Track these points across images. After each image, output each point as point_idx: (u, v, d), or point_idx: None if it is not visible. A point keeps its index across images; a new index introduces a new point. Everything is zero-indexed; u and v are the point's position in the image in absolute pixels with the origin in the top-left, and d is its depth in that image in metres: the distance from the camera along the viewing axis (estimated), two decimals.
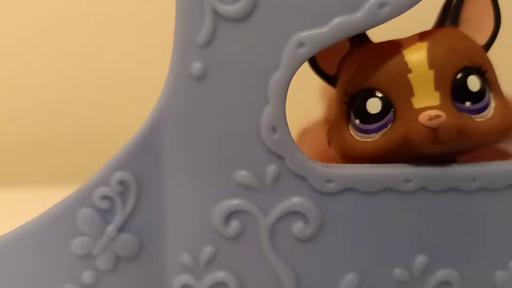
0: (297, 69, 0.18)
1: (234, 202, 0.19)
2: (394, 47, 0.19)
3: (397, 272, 0.19)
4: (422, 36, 0.19)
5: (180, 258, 0.19)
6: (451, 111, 0.18)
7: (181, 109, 0.19)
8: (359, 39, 0.20)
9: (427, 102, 0.18)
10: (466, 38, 0.20)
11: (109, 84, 0.47)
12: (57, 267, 0.19)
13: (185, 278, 0.19)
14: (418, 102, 0.18)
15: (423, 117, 0.17)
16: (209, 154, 0.19)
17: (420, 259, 0.19)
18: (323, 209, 0.19)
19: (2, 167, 0.46)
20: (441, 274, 0.19)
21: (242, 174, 0.19)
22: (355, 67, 0.20)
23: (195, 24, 0.18)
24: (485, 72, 0.19)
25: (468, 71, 0.19)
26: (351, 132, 0.19)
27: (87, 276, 0.19)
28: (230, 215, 0.19)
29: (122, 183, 0.19)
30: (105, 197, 0.19)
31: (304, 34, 0.18)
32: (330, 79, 0.21)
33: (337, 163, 0.19)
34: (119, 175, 0.19)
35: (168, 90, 0.19)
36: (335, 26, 0.18)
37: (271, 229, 0.19)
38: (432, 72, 0.18)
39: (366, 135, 0.19)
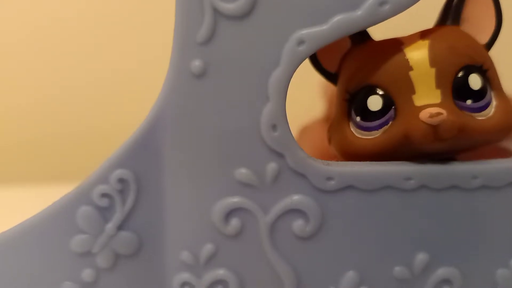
0: (297, 67, 0.18)
1: (234, 200, 0.19)
2: (396, 45, 0.19)
3: (398, 270, 0.19)
4: (423, 34, 0.19)
5: (180, 256, 0.19)
6: (452, 109, 0.18)
7: (181, 107, 0.19)
8: (360, 37, 0.20)
9: (428, 100, 0.18)
10: (468, 36, 0.20)
11: (109, 83, 0.47)
12: (56, 265, 0.19)
13: (185, 276, 0.19)
14: (419, 99, 0.18)
15: (424, 115, 0.17)
16: (209, 152, 0.19)
17: (421, 257, 0.19)
18: (323, 207, 0.19)
19: (2, 167, 0.46)
20: (441, 272, 0.19)
21: (242, 172, 0.19)
22: (356, 64, 0.20)
23: (195, 22, 0.18)
24: (486, 71, 0.19)
25: (469, 69, 0.19)
26: (351, 129, 0.19)
27: (86, 274, 0.19)
28: (230, 213, 0.19)
29: (121, 180, 0.19)
30: (104, 195, 0.19)
31: (304, 32, 0.18)
32: (331, 76, 0.21)
33: (337, 161, 0.19)
34: (118, 172, 0.19)
35: (168, 87, 0.19)
36: (335, 24, 0.18)
37: (271, 227, 0.19)
38: (433, 70, 0.18)
39: (366, 133, 0.19)
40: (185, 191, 0.19)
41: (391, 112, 0.19)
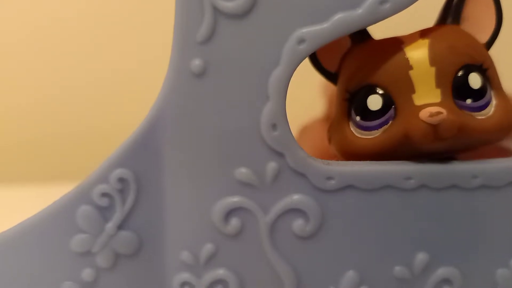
0: (298, 66, 0.18)
1: (234, 200, 0.19)
2: (396, 44, 0.19)
3: (398, 269, 0.19)
4: (423, 34, 0.19)
5: (180, 256, 0.19)
6: (452, 108, 0.18)
7: (181, 106, 0.19)
8: (360, 36, 0.20)
9: (428, 99, 0.18)
10: (468, 36, 0.20)
11: (109, 83, 0.47)
12: (56, 265, 0.19)
13: (185, 275, 0.19)
14: (419, 99, 0.18)
15: (424, 114, 0.17)
16: (209, 152, 0.19)
17: (421, 257, 0.19)
18: (324, 207, 0.19)
19: (2, 166, 0.46)
20: (441, 272, 0.19)
21: (242, 172, 0.18)
22: (356, 64, 0.20)
23: (195, 21, 0.18)
24: (486, 70, 0.19)
25: (469, 68, 0.19)
26: (351, 129, 0.19)
27: (86, 273, 0.19)
28: (230, 213, 0.19)
29: (121, 180, 0.19)
30: (104, 195, 0.19)
31: (305, 30, 0.18)
32: (331, 76, 0.21)
33: (337, 160, 0.19)
34: (118, 172, 0.19)
35: (168, 87, 0.19)
36: (335, 22, 0.18)
37: (271, 226, 0.19)
38: (433, 69, 0.18)
39: (366, 132, 0.19)
40: (185, 191, 0.19)
41: (391, 112, 0.19)
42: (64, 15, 0.47)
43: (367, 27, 0.18)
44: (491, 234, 0.19)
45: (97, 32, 0.47)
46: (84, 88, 0.48)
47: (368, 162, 0.19)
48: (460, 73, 0.19)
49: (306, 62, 0.18)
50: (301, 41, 0.18)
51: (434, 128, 0.17)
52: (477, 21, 0.20)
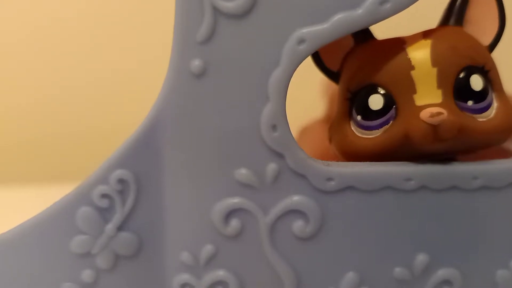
0: (298, 66, 0.18)
1: (234, 201, 0.19)
2: (398, 44, 0.19)
3: (398, 271, 0.19)
4: (425, 35, 0.19)
5: (180, 257, 0.19)
6: (453, 109, 0.18)
7: (181, 106, 0.18)
8: (363, 36, 0.20)
9: (429, 100, 0.18)
10: (470, 37, 0.20)
11: (109, 84, 0.47)
12: (56, 266, 0.19)
13: (185, 277, 0.19)
14: (420, 99, 0.18)
15: (424, 114, 0.17)
16: (209, 152, 0.19)
17: (421, 258, 0.19)
18: (324, 208, 0.18)
19: (2, 167, 0.46)
20: (442, 273, 0.19)
21: (242, 173, 0.18)
22: (358, 63, 0.20)
23: (194, 21, 0.18)
24: (488, 72, 0.19)
25: (471, 70, 0.19)
26: (352, 128, 0.19)
27: (86, 275, 0.19)
28: (230, 214, 0.19)
29: (121, 181, 0.19)
30: (104, 196, 0.19)
31: (305, 30, 0.18)
32: (333, 75, 0.21)
33: (337, 161, 0.19)
34: (118, 173, 0.19)
35: (168, 87, 0.18)
36: (336, 22, 0.18)
37: (271, 227, 0.19)
38: (435, 70, 0.18)
39: (367, 132, 0.19)
40: (185, 192, 0.19)
41: (392, 112, 0.19)
42: (64, 15, 0.47)
43: (367, 27, 0.18)
44: (491, 235, 0.19)
45: (97, 32, 0.47)
46: (84, 88, 0.48)
47: (368, 163, 0.19)
48: (461, 75, 0.19)
49: (306, 62, 0.18)
50: (301, 41, 0.18)
51: (435, 129, 0.17)
52: (480, 24, 0.20)
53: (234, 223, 0.19)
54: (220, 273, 0.19)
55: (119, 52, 0.47)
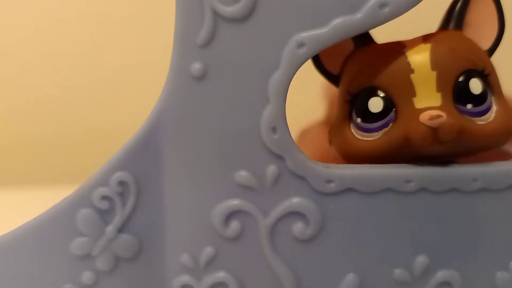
0: (297, 69, 0.18)
1: (234, 203, 0.19)
2: (398, 48, 0.19)
3: (398, 272, 0.19)
4: (425, 38, 0.19)
5: (180, 259, 0.19)
6: (452, 112, 0.18)
7: (181, 109, 0.19)
8: (363, 39, 0.20)
9: (429, 103, 0.18)
10: (469, 41, 0.20)
11: (109, 84, 0.47)
12: (56, 268, 0.19)
13: (185, 278, 0.19)
14: (419, 102, 0.18)
15: (424, 117, 0.17)
16: (209, 155, 0.19)
17: (421, 260, 0.19)
18: (323, 210, 0.19)
19: (2, 167, 0.46)
20: (441, 274, 0.19)
21: (242, 175, 0.19)
22: (359, 66, 0.20)
23: (195, 24, 0.18)
24: (487, 76, 0.19)
25: (470, 73, 0.19)
26: (352, 131, 0.19)
27: (86, 276, 0.19)
28: (230, 216, 0.19)
29: (121, 183, 0.19)
30: (104, 198, 0.19)
31: (304, 34, 0.18)
32: (333, 78, 0.21)
33: (337, 163, 0.19)
34: (118, 175, 0.19)
35: (168, 90, 0.19)
36: (335, 26, 0.18)
37: (271, 229, 0.19)
38: (434, 73, 0.18)
39: (367, 134, 0.19)
40: (185, 194, 0.19)
41: (392, 114, 0.19)
42: (64, 15, 0.47)
43: (366, 31, 0.18)
44: (491, 237, 0.19)
45: (97, 33, 0.47)
46: (84, 88, 0.48)
47: (368, 165, 0.19)
48: (461, 78, 0.19)
49: (306, 65, 0.18)
50: (300, 45, 0.18)
51: (434, 131, 0.17)
52: (479, 28, 0.20)
53: (234, 225, 0.19)
54: (220, 275, 0.19)
55: (119, 52, 0.47)
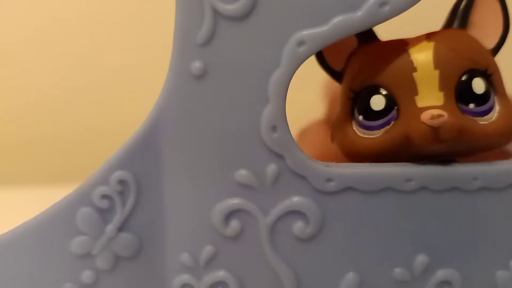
0: (298, 68, 0.18)
1: (234, 202, 0.19)
2: (401, 45, 0.19)
3: (398, 271, 0.19)
4: (429, 37, 0.19)
5: (180, 258, 0.19)
6: (454, 111, 0.18)
7: (181, 108, 0.19)
8: (367, 37, 0.20)
9: (431, 102, 0.18)
10: (473, 40, 0.20)
11: (109, 84, 0.47)
12: (56, 267, 0.19)
13: (185, 277, 0.19)
14: (421, 101, 0.18)
15: (425, 116, 0.17)
16: (209, 153, 0.19)
17: (421, 259, 0.19)
18: (323, 209, 0.19)
19: (2, 167, 0.46)
20: (441, 273, 0.19)
21: (242, 174, 0.18)
22: (362, 63, 0.20)
23: (195, 23, 0.18)
24: (490, 76, 0.19)
25: (473, 73, 0.19)
26: (354, 128, 0.19)
27: (86, 275, 0.19)
28: (230, 215, 0.19)
29: (121, 182, 0.19)
30: (104, 196, 0.19)
31: (305, 33, 0.18)
32: (336, 74, 0.21)
33: (337, 162, 0.19)
34: (118, 174, 0.19)
35: (168, 89, 0.19)
36: (335, 25, 0.18)
37: (271, 228, 0.19)
38: (437, 72, 0.18)
39: (368, 132, 0.19)
40: (185, 193, 0.19)
41: (394, 113, 0.19)
42: (64, 15, 0.47)
43: (367, 29, 0.18)
44: (491, 236, 0.19)
45: (97, 32, 0.47)
46: (84, 88, 0.48)
47: (368, 164, 0.19)
48: (464, 78, 0.19)
49: (306, 64, 0.18)
50: (301, 43, 0.18)
51: (435, 131, 0.17)
52: (484, 27, 0.20)
53: (234, 224, 0.19)
54: (220, 274, 0.19)
55: (119, 52, 0.47)
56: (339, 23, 0.18)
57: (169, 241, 0.19)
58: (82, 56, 0.47)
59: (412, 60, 0.19)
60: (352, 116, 0.20)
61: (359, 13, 0.18)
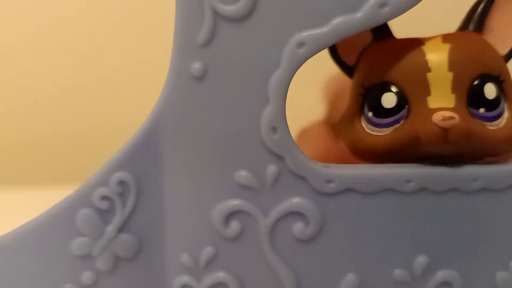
0: (297, 69, 0.18)
1: (234, 203, 0.19)
2: (416, 45, 0.19)
3: (398, 272, 0.19)
4: (445, 38, 0.19)
5: (180, 259, 0.19)
6: (465, 114, 0.18)
7: (181, 109, 0.19)
8: (382, 33, 0.20)
9: (442, 103, 0.18)
10: (488, 46, 0.20)
11: (109, 84, 0.47)
12: (56, 268, 0.19)
13: (185, 278, 0.19)
14: (433, 102, 0.18)
15: (436, 117, 0.17)
16: (209, 154, 0.19)
17: (421, 260, 0.19)
18: (323, 210, 0.19)
19: (2, 167, 0.46)
20: (441, 274, 0.19)
21: (242, 174, 0.18)
22: (375, 60, 0.20)
23: (195, 24, 0.18)
24: (502, 82, 0.19)
25: (486, 78, 0.19)
26: (362, 124, 0.19)
27: (86, 276, 0.19)
28: (230, 216, 0.19)
29: (121, 183, 0.19)
30: (104, 198, 0.19)
31: (304, 34, 0.18)
32: (348, 69, 0.21)
33: (337, 163, 0.19)
34: (118, 175, 0.19)
35: (168, 90, 0.19)
36: (335, 26, 0.18)
37: (271, 229, 0.19)
38: (451, 74, 0.18)
39: (377, 129, 0.19)
40: (185, 194, 0.19)
41: (404, 111, 0.19)
42: (64, 15, 0.47)
43: (367, 30, 0.18)
44: (491, 237, 0.19)
45: (97, 32, 0.47)
46: (84, 88, 0.48)
47: (368, 165, 0.19)
48: (476, 82, 0.19)
49: (306, 65, 0.18)
50: (300, 44, 0.18)
51: (444, 132, 0.17)
52: (499, 33, 0.20)
53: (234, 225, 0.19)
54: (220, 275, 0.19)
55: (119, 52, 0.47)
56: (339, 24, 0.18)
57: (169, 242, 0.19)
58: (82, 56, 0.47)
59: (427, 60, 0.18)
60: (361, 112, 0.19)
61: (359, 14, 0.18)
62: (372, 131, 0.19)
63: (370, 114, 0.19)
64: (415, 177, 0.18)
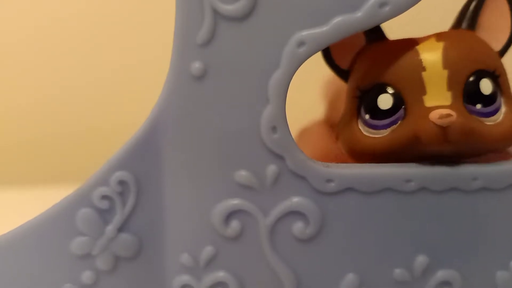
0: (297, 68, 0.18)
1: (234, 202, 0.19)
2: (410, 45, 0.19)
3: (398, 272, 0.19)
4: (438, 36, 0.19)
5: (180, 258, 0.19)
6: (462, 111, 0.18)
7: (181, 108, 0.19)
8: (375, 35, 0.20)
9: (439, 101, 0.18)
10: (482, 42, 0.20)
11: (109, 84, 0.47)
12: (56, 267, 0.19)
13: (185, 278, 0.19)
14: (429, 100, 0.18)
15: (434, 115, 0.17)
16: (209, 154, 0.19)
17: (421, 259, 0.19)
18: (323, 209, 0.19)
19: (2, 167, 0.46)
20: (441, 274, 0.19)
21: (242, 174, 0.18)
22: (370, 62, 0.20)
23: (195, 24, 0.18)
24: (498, 77, 0.19)
25: (481, 74, 0.19)
26: (360, 127, 0.19)
27: (86, 276, 0.19)
28: (230, 215, 0.19)
29: (121, 183, 0.19)
30: (104, 197, 0.19)
31: (304, 33, 0.18)
32: (342, 73, 0.21)
33: (337, 162, 0.19)
34: (118, 174, 0.19)
35: (168, 89, 0.19)
36: (335, 25, 0.18)
37: (271, 229, 0.19)
38: (446, 72, 0.18)
39: (375, 131, 0.19)
40: (185, 193, 0.19)
41: (401, 112, 0.19)
42: (64, 15, 0.47)
43: (366, 29, 0.18)
44: (491, 237, 0.19)
45: (97, 32, 0.47)
46: (84, 88, 0.48)
47: (368, 164, 0.19)
48: (472, 78, 0.19)
49: (306, 65, 0.18)
50: (300, 44, 0.18)
51: (443, 130, 0.17)
52: (492, 29, 0.20)
53: (234, 224, 0.19)
54: (220, 275, 0.19)
55: (119, 52, 0.47)
56: (339, 24, 0.18)
57: (169, 241, 0.19)
58: (82, 56, 0.47)
59: (421, 60, 0.19)
60: (358, 115, 0.19)
61: (359, 14, 0.18)
62: (369, 133, 0.19)
63: (367, 116, 0.19)
64: (415, 177, 0.18)
